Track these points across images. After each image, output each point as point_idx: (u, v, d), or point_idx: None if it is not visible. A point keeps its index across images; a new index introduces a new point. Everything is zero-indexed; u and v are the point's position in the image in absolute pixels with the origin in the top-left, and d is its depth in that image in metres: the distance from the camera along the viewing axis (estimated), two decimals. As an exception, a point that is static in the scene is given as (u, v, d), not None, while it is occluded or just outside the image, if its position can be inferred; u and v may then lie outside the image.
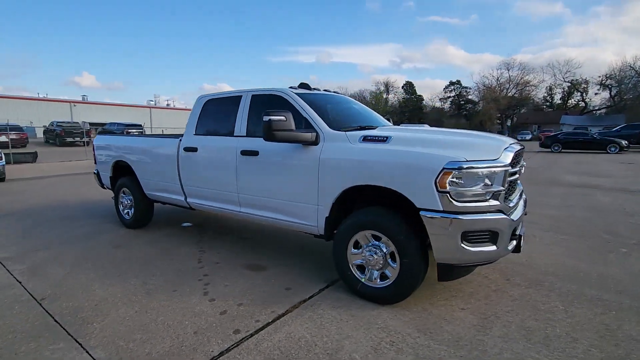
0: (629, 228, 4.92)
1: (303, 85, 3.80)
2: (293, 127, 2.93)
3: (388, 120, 4.61)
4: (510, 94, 56.28)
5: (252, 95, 3.66)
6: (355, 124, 3.41)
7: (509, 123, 58.85)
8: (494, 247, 2.49)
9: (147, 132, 30.89)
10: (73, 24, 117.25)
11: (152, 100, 58.79)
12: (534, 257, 3.82)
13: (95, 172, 5.72)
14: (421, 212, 2.48)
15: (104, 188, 5.73)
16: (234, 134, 3.67)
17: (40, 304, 2.86)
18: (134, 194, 4.93)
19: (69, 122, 30.41)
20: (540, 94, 59.77)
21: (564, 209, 6.15)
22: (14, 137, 22.37)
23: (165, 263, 3.75)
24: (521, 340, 2.33)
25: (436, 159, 2.43)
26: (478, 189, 2.42)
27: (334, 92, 4.19)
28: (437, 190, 2.40)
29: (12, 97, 42.25)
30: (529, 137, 43.30)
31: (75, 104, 45.57)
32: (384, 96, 64.14)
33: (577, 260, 3.71)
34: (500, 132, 47.73)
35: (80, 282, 3.28)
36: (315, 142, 3.04)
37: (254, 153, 3.42)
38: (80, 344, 2.31)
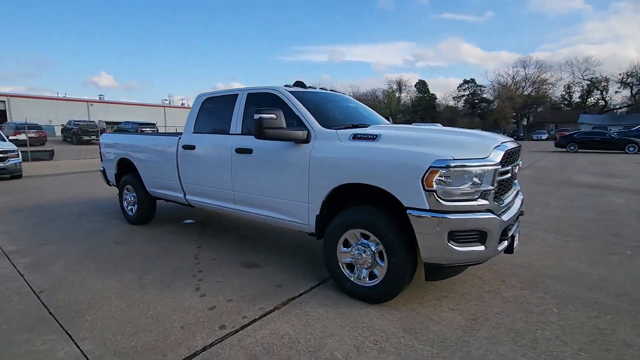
0: (637, 230, 4.76)
1: (298, 84, 3.80)
2: (284, 125, 2.94)
3: (387, 119, 4.57)
4: (526, 93, 55.04)
5: (248, 94, 3.69)
6: (349, 122, 3.40)
7: (524, 122, 57.60)
8: (482, 248, 2.44)
9: (161, 130, 31.44)
10: (91, 25, 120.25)
11: (166, 100, 59.88)
12: (532, 258, 3.74)
13: (102, 169, 5.86)
14: (408, 211, 2.46)
15: (110, 185, 5.87)
16: (230, 132, 3.70)
17: (38, 297, 2.96)
18: (137, 191, 5.03)
19: (85, 121, 31.20)
20: (558, 92, 58.35)
21: (571, 209, 5.99)
22: (32, 135, 23.12)
23: (163, 259, 3.81)
24: (508, 343, 2.28)
25: (423, 157, 2.40)
26: (466, 188, 2.38)
27: (331, 90, 4.18)
28: (424, 189, 2.37)
29: (33, 97, 43.63)
30: (545, 136, 42.23)
31: (92, 103, 46.74)
32: (397, 95, 63.59)
33: (578, 262, 3.61)
34: (515, 131, 46.80)
35: (78, 276, 3.37)
36: (306, 140, 3.04)
37: (248, 151, 3.44)
38: (70, 336, 2.37)
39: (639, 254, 3.86)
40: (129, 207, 5.29)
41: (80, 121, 29.92)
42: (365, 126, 3.24)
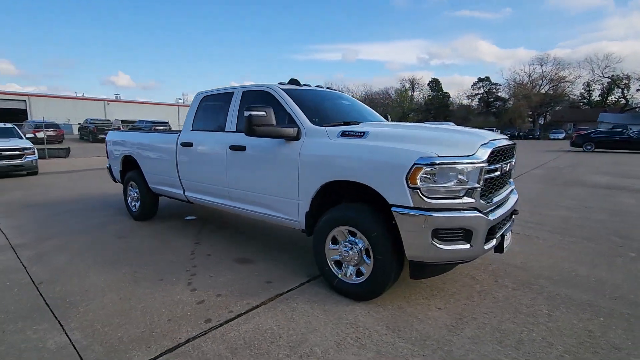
0: (646, 232, 4.61)
1: (293, 81, 3.82)
2: (273, 122, 2.95)
3: (386, 117, 4.55)
4: (543, 91, 53.69)
5: (243, 92, 3.73)
6: (342, 119, 3.39)
7: (541, 121, 56.21)
8: (467, 246, 2.41)
9: (174, 129, 31.95)
10: (111, 25, 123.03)
11: (180, 99, 60.77)
12: (530, 258, 3.66)
13: (108, 166, 6.01)
14: (393, 209, 2.44)
15: (116, 182, 6.01)
16: (225, 130, 3.75)
17: (37, 288, 3.06)
18: (140, 188, 5.14)
19: (101, 120, 31.99)
20: (577, 90, 56.68)
21: (579, 210, 5.83)
22: (51, 133, 23.84)
23: (161, 254, 3.89)
24: (492, 343, 2.25)
25: (407, 154, 2.39)
26: (451, 185, 2.35)
27: (327, 88, 4.18)
28: (408, 187, 2.36)
29: (52, 96, 44.97)
30: (562, 135, 41.15)
31: (109, 102, 47.87)
32: (409, 94, 62.89)
33: (577, 264, 3.52)
34: (531, 130, 45.76)
35: (77, 269, 3.47)
36: (296, 137, 3.06)
37: (242, 148, 3.48)
38: (62, 326, 2.45)
39: (643, 256, 3.74)
40: (133, 203, 5.41)
41: (96, 120, 30.67)
42: (357, 123, 3.24)
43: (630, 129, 26.14)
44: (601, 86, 55.43)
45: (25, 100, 41.22)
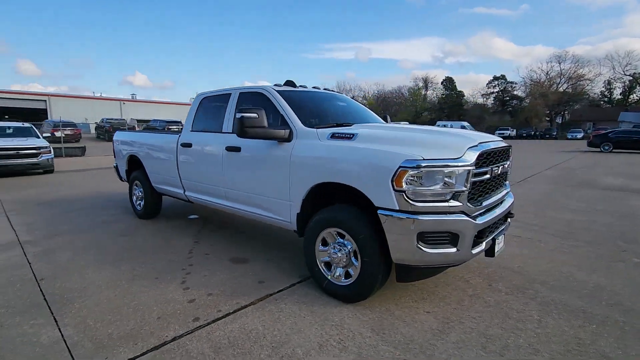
0: (654, 236, 4.46)
1: (288, 83, 3.84)
2: (265, 124, 2.98)
3: (384, 118, 4.53)
4: (561, 89, 52.32)
5: (240, 93, 3.77)
6: (335, 120, 3.40)
7: (559, 120, 54.80)
8: (454, 250, 2.39)
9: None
10: (128, 27, 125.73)
11: (193, 98, 61.61)
12: (528, 262, 3.60)
13: (115, 165, 6.16)
14: (379, 211, 2.44)
15: (122, 181, 6.16)
16: (222, 130, 3.80)
17: (38, 284, 3.17)
18: (144, 187, 5.26)
19: (117, 119, 32.77)
20: (597, 88, 54.98)
21: (587, 213, 5.68)
22: (68, 132, 24.57)
23: (160, 252, 3.98)
24: (476, 348, 2.23)
25: (393, 157, 2.38)
26: (437, 188, 2.34)
27: (324, 89, 4.19)
28: (394, 189, 2.35)
29: (71, 96, 46.28)
30: (580, 135, 39.99)
31: (125, 102, 48.94)
32: (422, 92, 62.21)
33: (577, 269, 3.44)
34: (548, 130, 44.68)
35: (79, 266, 3.58)
36: (288, 139, 3.08)
37: (237, 149, 3.52)
38: (56, 321, 2.54)
39: (648, 261, 3.63)
40: (138, 202, 5.54)
41: (112, 119, 31.45)
42: (350, 125, 3.24)
43: (652, 128, 25.20)
44: (622, 84, 53.65)
45: (45, 100, 42.54)
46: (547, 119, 53.95)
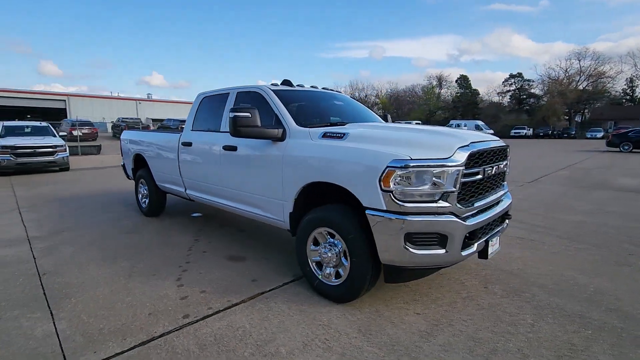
0: (666, 240, 4.29)
1: (285, 82, 3.85)
2: (258, 123, 2.99)
3: (385, 117, 4.49)
4: (581, 87, 50.78)
5: (237, 92, 3.80)
6: (331, 120, 3.39)
7: (578, 119, 53.21)
8: (442, 251, 2.35)
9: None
10: (146, 28, 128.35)
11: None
12: (529, 265, 3.51)
13: (122, 164, 6.29)
14: (367, 211, 2.42)
15: (129, 179, 6.29)
16: (220, 130, 3.83)
17: (40, 278, 3.27)
18: (149, 185, 5.35)
19: (132, 119, 33.49)
20: (618, 86, 53.11)
21: (597, 215, 5.51)
22: (86, 131, 25.20)
23: (160, 249, 4.04)
24: (462, 352, 2.19)
25: (380, 156, 2.35)
26: (425, 189, 2.30)
27: (323, 88, 4.17)
28: (381, 189, 2.33)
29: (89, 96, 47.51)
30: (600, 134, 38.72)
31: (141, 101, 49.96)
32: (436, 91, 61.35)
33: (578, 272, 3.34)
34: (566, 129, 43.48)
35: (80, 261, 3.67)
36: (281, 138, 3.09)
37: (234, 148, 3.55)
38: (52, 315, 2.61)
39: (655, 266, 3.49)
40: (143, 200, 5.64)
41: (127, 118, 32.17)
42: (344, 124, 3.22)
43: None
44: (646, 82, 51.67)
45: (65, 100, 43.80)
46: (566, 117, 52.48)
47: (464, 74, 60.13)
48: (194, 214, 5.70)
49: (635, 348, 2.22)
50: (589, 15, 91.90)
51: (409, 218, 2.29)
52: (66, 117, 36.63)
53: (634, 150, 19.27)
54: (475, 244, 2.52)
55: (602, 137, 36.60)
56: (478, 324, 2.49)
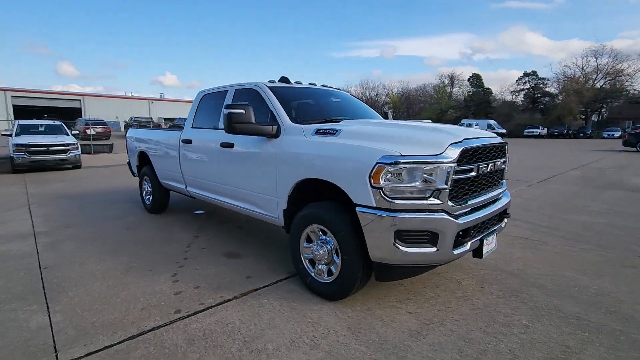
0: (677, 242, 4.13)
1: (283, 79, 3.84)
2: (252, 120, 2.99)
3: (385, 114, 4.44)
4: (597, 85, 49.44)
5: (235, 90, 3.81)
6: (326, 117, 3.37)
7: (595, 118, 51.83)
8: (433, 249, 2.31)
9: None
10: (159, 29, 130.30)
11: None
12: (529, 265, 3.43)
13: (128, 162, 6.39)
14: (357, 208, 2.40)
15: (134, 176, 6.38)
16: (218, 127, 3.85)
17: (40, 272, 3.34)
18: (152, 182, 5.42)
19: (144, 118, 34.04)
20: (637, 84, 51.48)
21: (606, 215, 5.35)
22: (99, 130, 25.70)
23: (159, 245, 4.09)
24: (452, 352, 2.15)
25: (370, 153, 2.33)
26: (416, 185, 2.27)
27: (322, 85, 4.15)
28: (371, 186, 2.30)
29: (103, 96, 48.50)
30: (617, 134, 37.60)
31: (153, 101, 50.75)
32: (448, 90, 60.57)
33: (580, 273, 3.25)
34: (582, 128, 42.45)
35: (81, 256, 3.74)
36: (276, 135, 3.08)
37: (231, 145, 3.56)
38: (48, 308, 2.67)
39: (662, 268, 3.37)
40: (147, 197, 5.72)
41: (139, 118, 32.70)
42: (339, 121, 3.20)
43: (698, 126, 23.32)
44: (666, 80, 49.94)
45: (80, 100, 44.81)
46: (582, 116, 51.17)
47: (477, 73, 59.25)
48: (197, 211, 5.75)
49: (632, 351, 2.14)
50: (608, 12, 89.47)
51: (399, 215, 2.26)
52: (81, 117, 37.43)
53: (651, 150, 18.67)
54: (469, 243, 2.47)
55: (619, 137, 35.59)
56: (471, 324, 2.44)
